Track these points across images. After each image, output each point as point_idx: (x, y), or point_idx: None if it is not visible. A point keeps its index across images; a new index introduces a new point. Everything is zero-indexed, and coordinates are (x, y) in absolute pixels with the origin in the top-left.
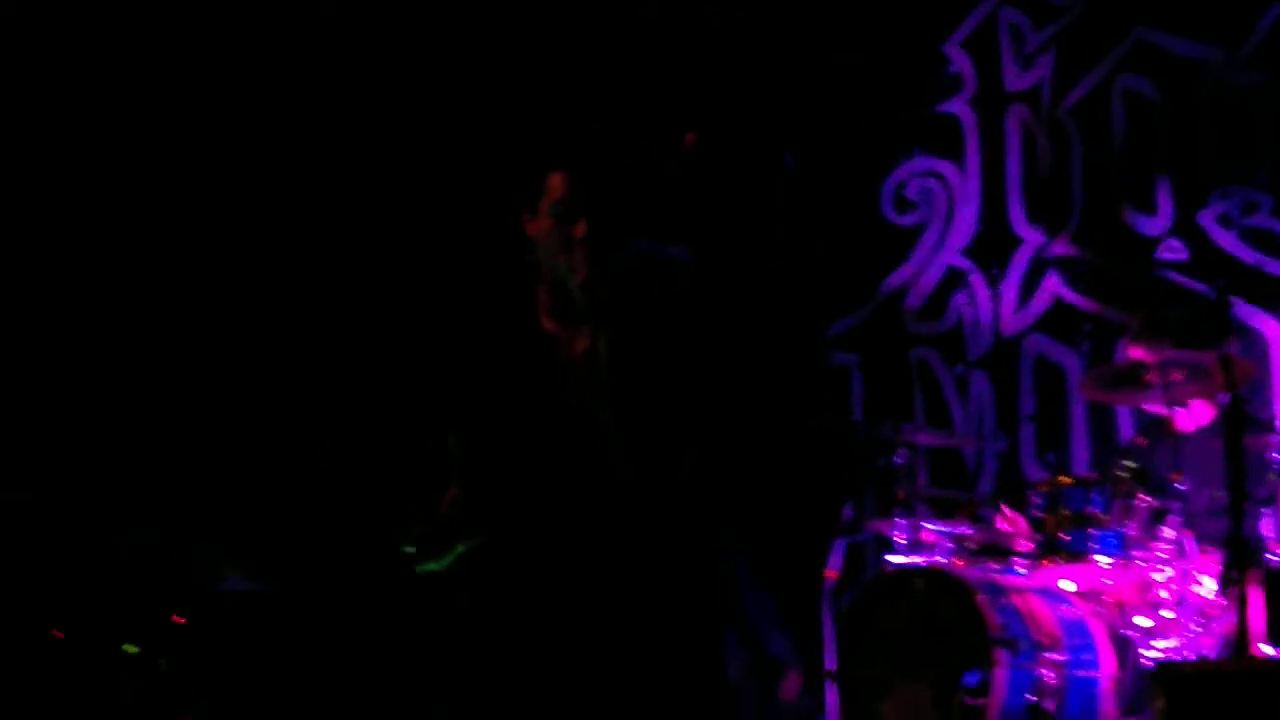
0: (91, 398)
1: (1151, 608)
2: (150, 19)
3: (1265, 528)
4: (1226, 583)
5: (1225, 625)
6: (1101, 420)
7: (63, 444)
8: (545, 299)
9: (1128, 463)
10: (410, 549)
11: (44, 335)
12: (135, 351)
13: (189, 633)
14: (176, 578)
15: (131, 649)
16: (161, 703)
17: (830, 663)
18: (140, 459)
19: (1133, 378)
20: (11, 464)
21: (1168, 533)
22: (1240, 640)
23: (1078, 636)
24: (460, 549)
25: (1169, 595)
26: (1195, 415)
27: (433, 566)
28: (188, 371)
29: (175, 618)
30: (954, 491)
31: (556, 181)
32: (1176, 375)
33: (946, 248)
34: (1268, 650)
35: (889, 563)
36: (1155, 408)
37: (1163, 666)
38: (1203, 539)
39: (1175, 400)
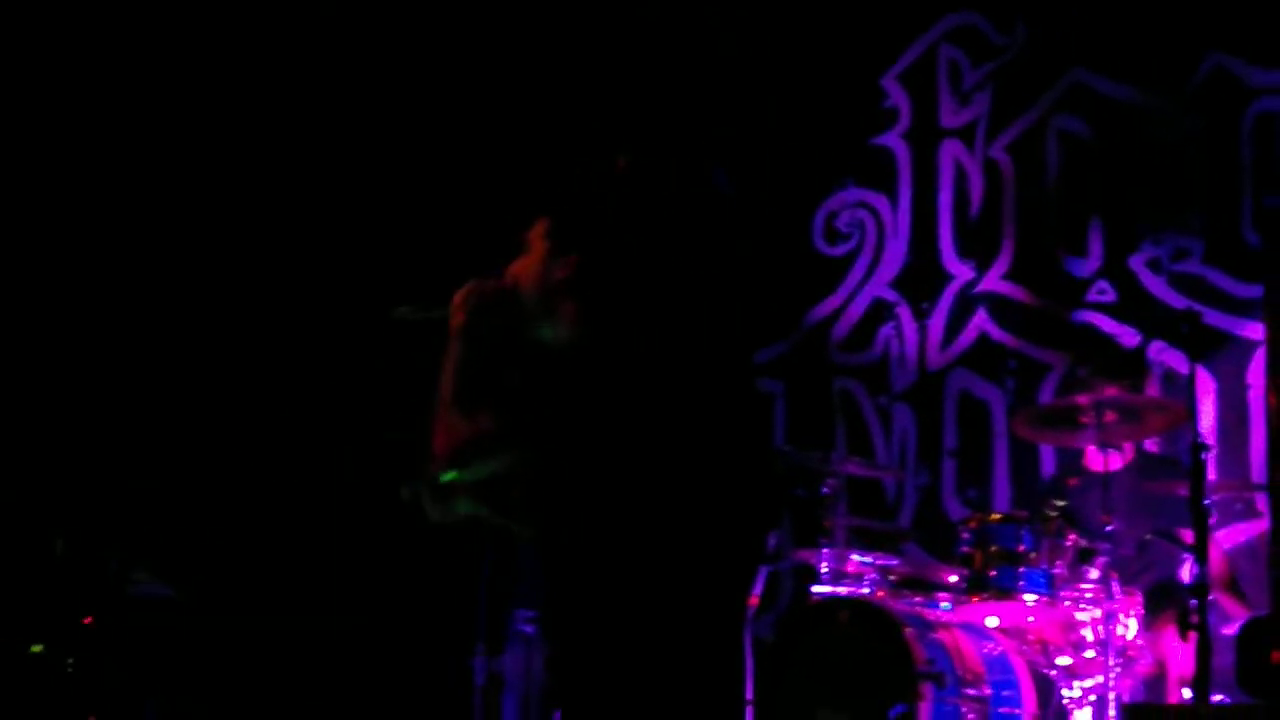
0: (8, 395)
1: (1074, 647)
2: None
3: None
4: (1148, 624)
5: (1145, 667)
6: (1023, 458)
7: None
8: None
9: (1057, 501)
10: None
11: None
12: (53, 351)
13: (97, 634)
14: (87, 579)
15: (38, 649)
16: (68, 703)
17: (750, 691)
18: (55, 459)
19: (1066, 417)
20: None
21: (1093, 573)
22: (1158, 683)
23: (1001, 673)
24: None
25: (1092, 635)
26: (1123, 455)
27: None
28: (108, 370)
29: (84, 619)
30: (876, 522)
31: (540, 227)
32: (1110, 416)
33: (875, 280)
34: (1186, 694)
35: (812, 592)
36: (1086, 447)
37: (1130, 709)
38: (1127, 580)
39: (1108, 441)
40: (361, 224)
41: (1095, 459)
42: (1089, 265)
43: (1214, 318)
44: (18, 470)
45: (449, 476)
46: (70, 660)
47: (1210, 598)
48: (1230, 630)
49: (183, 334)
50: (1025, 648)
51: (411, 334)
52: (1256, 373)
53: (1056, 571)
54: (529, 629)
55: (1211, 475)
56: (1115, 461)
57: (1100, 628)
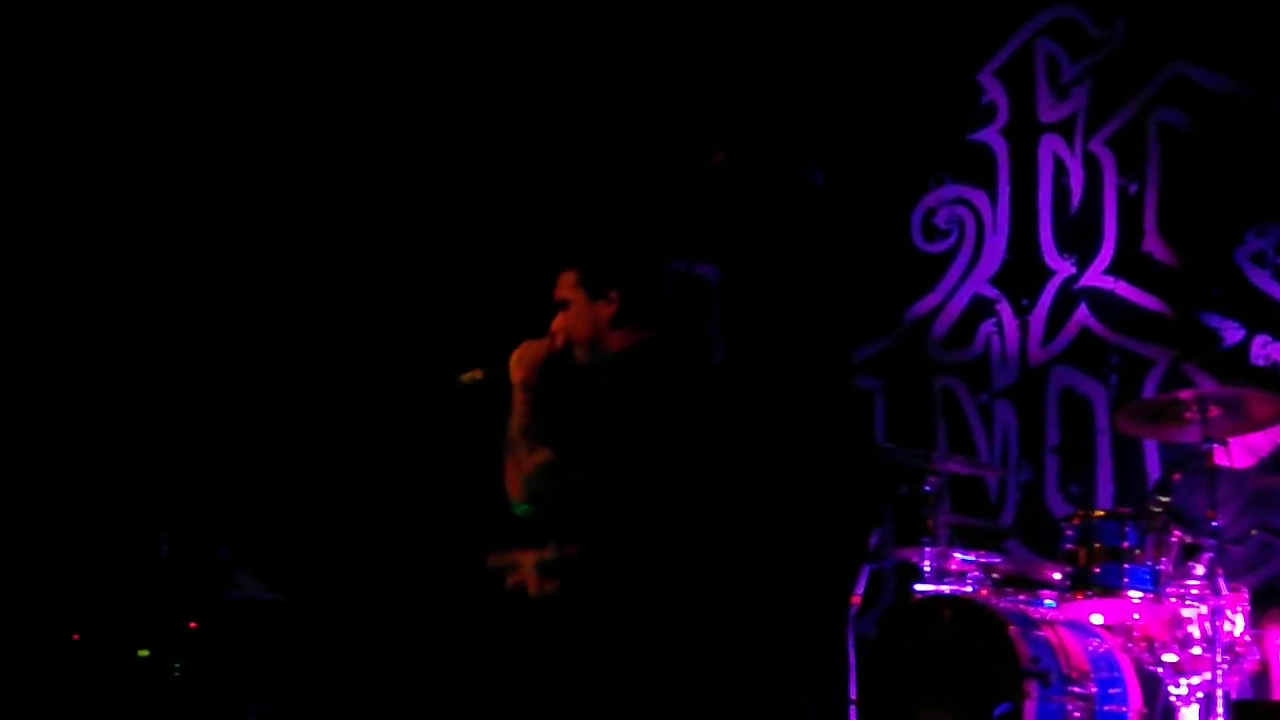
0: (107, 401)
1: (1180, 644)
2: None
3: None
4: (1255, 622)
5: (1252, 664)
6: (1127, 454)
7: (82, 449)
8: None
9: (1162, 498)
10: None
11: (56, 337)
12: (152, 355)
13: (201, 638)
14: (191, 584)
15: (144, 653)
16: (173, 707)
17: (854, 690)
18: (158, 464)
19: (1170, 412)
20: (28, 468)
21: (1199, 569)
22: (1264, 680)
23: (1107, 671)
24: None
25: (1199, 632)
26: (1233, 452)
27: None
28: (206, 376)
29: (189, 623)
30: (978, 520)
31: (569, 275)
32: (1214, 411)
33: (975, 276)
34: None
35: (915, 591)
36: (1191, 443)
37: (1237, 706)
38: (1234, 577)
39: (1214, 436)
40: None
41: (1219, 455)
42: (1192, 259)
43: None
44: (123, 475)
45: (522, 509)
46: (176, 664)
47: None
48: None
49: (290, 341)
50: (1131, 645)
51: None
52: None
53: (1161, 568)
54: None
55: None
56: (1246, 458)
57: (1207, 624)
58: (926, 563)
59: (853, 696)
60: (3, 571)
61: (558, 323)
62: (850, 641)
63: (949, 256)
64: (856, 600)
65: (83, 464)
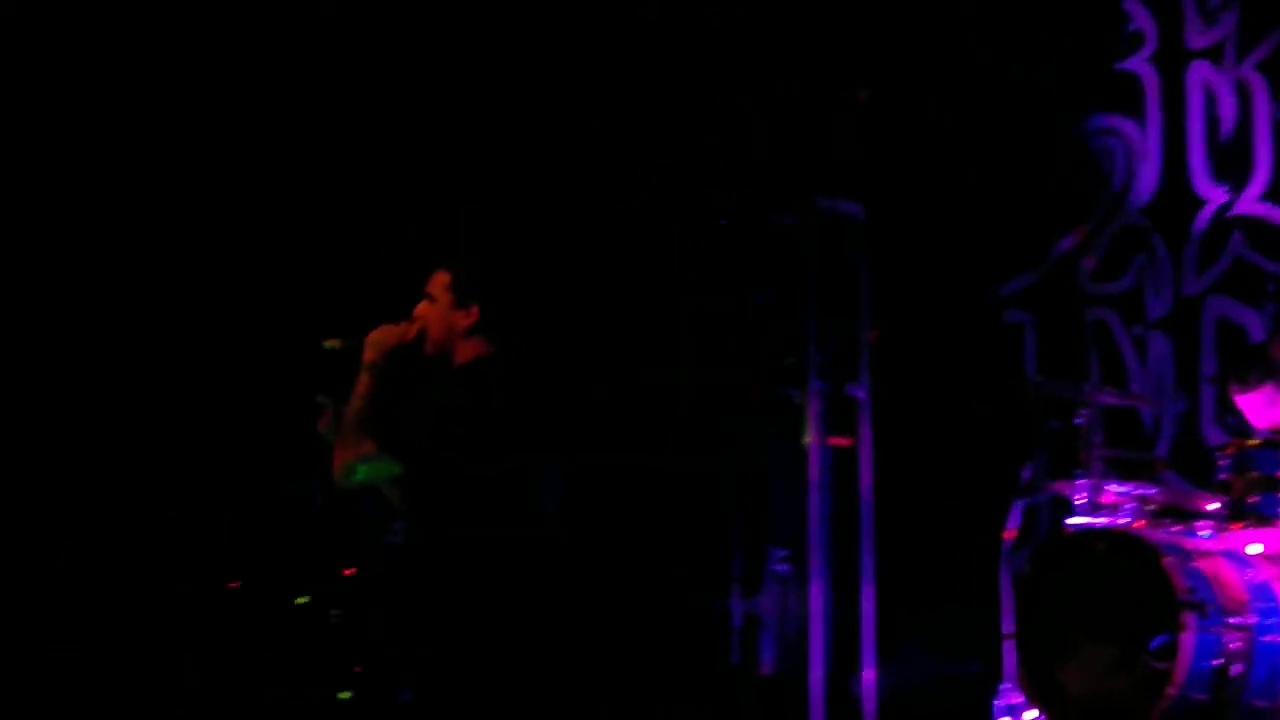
0: (260, 360)
1: None
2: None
3: None
4: None
5: None
6: None
7: (237, 405)
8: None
9: None
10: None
11: (220, 304)
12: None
13: (358, 585)
14: (347, 530)
15: (303, 600)
16: (333, 654)
17: (1009, 625)
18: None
19: None
20: (187, 424)
21: None
22: None
23: (1265, 600)
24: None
25: None
26: None
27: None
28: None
29: (345, 570)
30: (1132, 452)
31: (443, 276)
32: None
33: (1126, 206)
34: None
35: (1068, 524)
36: None
37: None
38: None
39: None
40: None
41: None
42: None
43: None
44: (275, 423)
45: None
46: (334, 611)
47: None
48: None
49: None
50: None
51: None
52: None
53: None
54: (784, 569)
55: None
56: None
57: None
58: (1081, 496)
59: (1009, 631)
60: (165, 523)
61: (419, 311)
62: (1005, 577)
63: (1100, 187)
64: (1010, 535)
65: (238, 420)
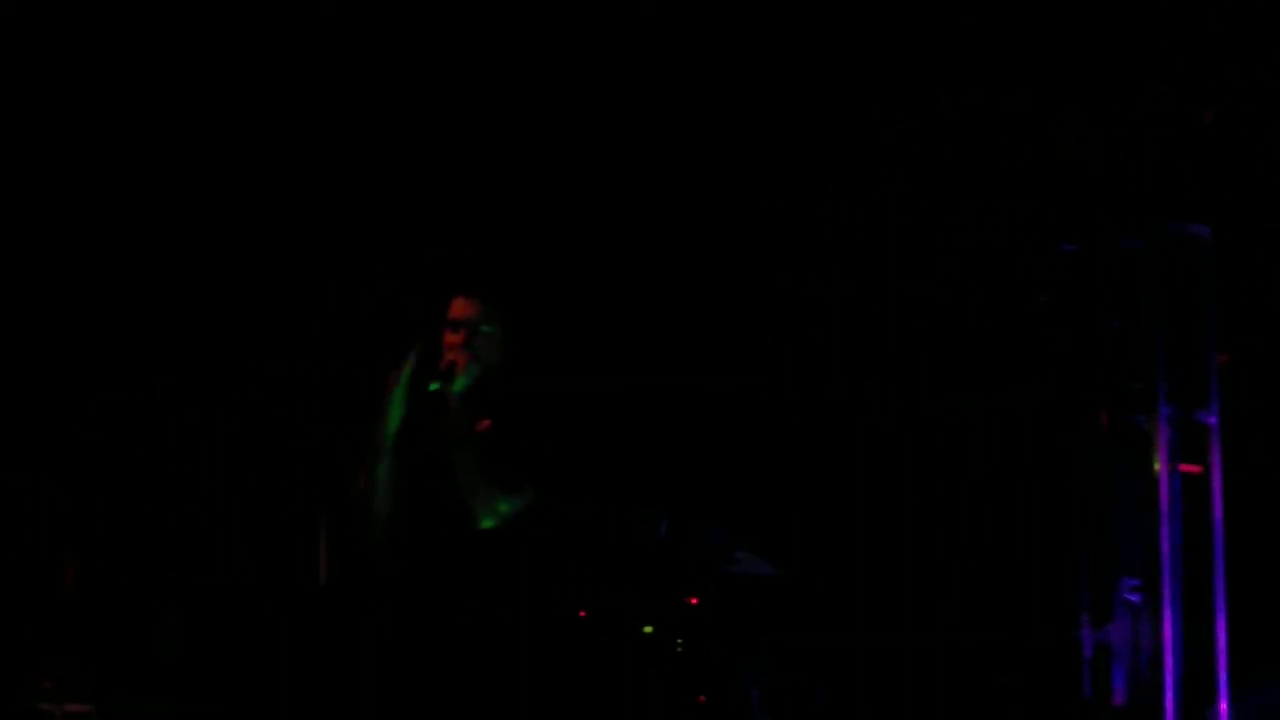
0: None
1: None
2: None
3: None
4: None
5: None
6: None
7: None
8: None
9: None
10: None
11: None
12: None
13: (702, 614)
14: (690, 561)
15: (648, 630)
16: (679, 683)
17: None
18: (659, 447)
19: None
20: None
21: None
22: None
23: None
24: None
25: None
26: None
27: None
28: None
29: (689, 599)
30: None
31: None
32: None
33: None
34: None
35: None
36: None
37: None
38: None
39: None
40: None
41: None
42: None
43: None
44: (623, 459)
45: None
46: (679, 640)
47: None
48: None
49: None
50: None
51: None
52: None
53: None
54: (1134, 597)
55: None
56: None
57: None
58: None
59: None
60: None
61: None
62: None
63: None
64: None
65: (584, 451)
